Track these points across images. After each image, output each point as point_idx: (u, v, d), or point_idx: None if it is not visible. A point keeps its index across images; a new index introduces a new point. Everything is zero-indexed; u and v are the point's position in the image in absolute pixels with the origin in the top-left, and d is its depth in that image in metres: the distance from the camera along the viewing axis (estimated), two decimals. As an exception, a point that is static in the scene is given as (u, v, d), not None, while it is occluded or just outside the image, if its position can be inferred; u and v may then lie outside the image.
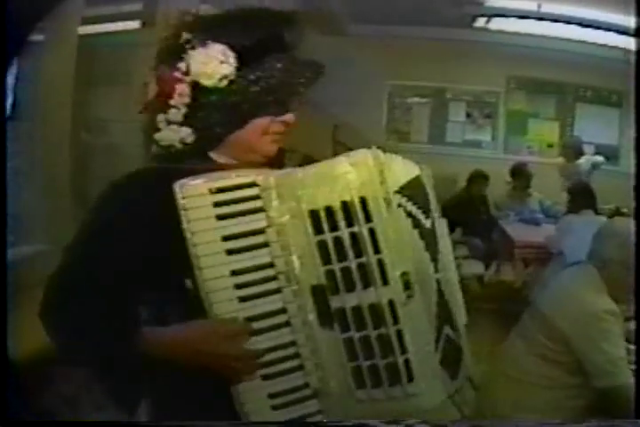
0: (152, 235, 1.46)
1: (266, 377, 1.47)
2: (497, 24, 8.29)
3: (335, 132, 7.75)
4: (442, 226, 1.71)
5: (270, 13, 1.57)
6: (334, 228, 1.42)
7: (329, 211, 1.41)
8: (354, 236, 1.41)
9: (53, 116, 3.17)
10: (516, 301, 5.68)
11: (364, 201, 1.41)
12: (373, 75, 8.76)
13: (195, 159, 1.56)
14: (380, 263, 1.42)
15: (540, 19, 7.64)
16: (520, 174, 7.56)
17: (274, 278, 1.47)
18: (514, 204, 7.41)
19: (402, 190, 1.48)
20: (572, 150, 7.79)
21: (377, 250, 1.41)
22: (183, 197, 1.42)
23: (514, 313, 3.20)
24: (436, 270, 1.58)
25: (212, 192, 1.44)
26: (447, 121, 9.65)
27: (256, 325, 1.46)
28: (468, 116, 9.60)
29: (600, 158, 7.72)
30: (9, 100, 3.39)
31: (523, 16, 7.74)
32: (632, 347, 2.95)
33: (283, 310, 1.47)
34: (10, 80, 3.34)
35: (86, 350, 1.54)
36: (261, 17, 1.55)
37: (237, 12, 1.56)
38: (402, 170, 1.52)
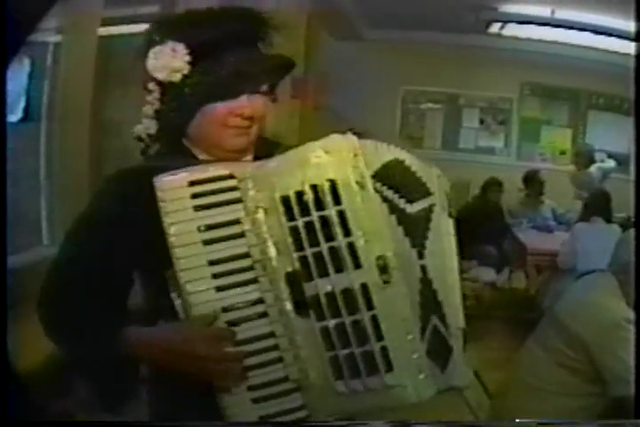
0: (140, 230, 1.49)
1: (244, 369, 1.44)
2: (511, 30, 8.28)
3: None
4: (444, 223, 1.64)
5: (235, 11, 1.61)
6: (306, 213, 1.39)
7: (299, 196, 1.39)
8: (325, 220, 1.38)
9: (71, 118, 3.17)
10: (529, 308, 5.68)
11: (333, 184, 1.38)
12: (387, 80, 8.78)
13: (164, 151, 1.64)
14: (352, 247, 1.38)
15: (554, 25, 7.62)
16: (533, 182, 7.55)
17: (251, 268, 1.45)
18: (527, 211, 7.41)
19: (378, 175, 1.45)
20: (584, 158, 7.78)
21: (347, 233, 1.38)
22: (161, 190, 1.44)
23: (527, 320, 3.19)
24: (421, 256, 1.52)
25: (189, 184, 1.45)
26: (460, 127, 9.70)
27: (233, 315, 1.44)
28: (482, 122, 9.62)
29: (611, 164, 7.70)
30: (22, 102, 3.40)
31: (536, 22, 7.73)
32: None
33: (260, 300, 1.45)
34: (23, 81, 3.35)
35: (73, 349, 1.56)
36: (223, 14, 1.59)
37: (200, 11, 1.60)
38: (378, 154, 1.48)
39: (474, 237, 6.56)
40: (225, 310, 1.44)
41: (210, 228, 1.45)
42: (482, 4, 7.44)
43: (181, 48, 1.53)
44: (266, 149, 1.66)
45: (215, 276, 1.44)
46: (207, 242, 1.45)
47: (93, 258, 1.54)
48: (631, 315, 2.60)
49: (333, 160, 1.40)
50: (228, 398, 1.44)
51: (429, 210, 1.58)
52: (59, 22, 3.03)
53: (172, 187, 1.44)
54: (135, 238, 1.51)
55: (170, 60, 1.53)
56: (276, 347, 1.46)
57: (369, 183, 1.42)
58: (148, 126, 1.60)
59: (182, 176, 1.45)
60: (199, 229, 1.44)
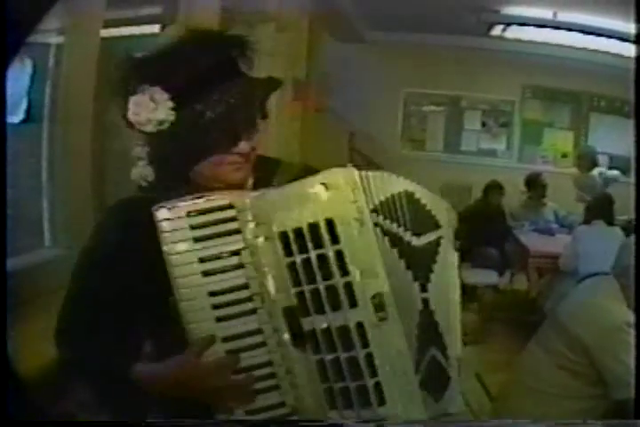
0: (143, 261, 1.48)
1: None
2: (513, 32, 8.28)
3: (351, 140, 7.75)
4: (449, 256, 1.67)
5: (209, 40, 1.55)
6: (304, 250, 1.40)
7: (298, 233, 1.40)
8: (322, 258, 1.40)
9: (73, 119, 3.17)
10: (530, 310, 5.68)
11: (330, 223, 1.39)
12: (389, 82, 8.79)
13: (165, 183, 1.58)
14: (349, 286, 1.40)
15: (556, 27, 7.62)
16: (535, 184, 7.55)
17: (249, 299, 1.46)
18: (529, 213, 7.40)
19: (381, 208, 1.46)
20: (587, 161, 7.77)
21: (345, 272, 1.39)
22: (161, 221, 1.43)
23: (529, 322, 3.19)
24: (423, 289, 1.54)
25: (189, 215, 1.44)
26: (462, 130, 9.71)
27: (233, 345, 1.45)
28: (484, 124, 9.63)
29: (615, 173, 7.69)
30: (23, 103, 3.39)
31: (538, 25, 7.72)
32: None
33: (258, 331, 1.46)
34: (25, 82, 3.35)
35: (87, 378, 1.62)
36: (199, 46, 1.52)
37: (174, 48, 1.53)
38: (381, 187, 1.48)
39: (475, 240, 6.57)
40: (225, 339, 1.45)
41: (209, 259, 1.45)
42: (483, 6, 7.44)
43: (161, 95, 1.46)
44: (266, 167, 1.66)
45: (215, 307, 1.45)
46: (207, 273, 1.45)
47: (102, 292, 1.54)
48: (631, 318, 2.60)
49: (332, 196, 1.41)
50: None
51: (437, 243, 1.60)
52: (60, 23, 3.03)
53: (173, 217, 1.44)
54: (136, 268, 1.51)
55: (152, 113, 1.46)
56: (273, 375, 1.47)
57: (368, 218, 1.42)
58: (144, 174, 1.55)
59: (182, 206, 1.45)
60: (199, 260, 1.45)
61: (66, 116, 3.16)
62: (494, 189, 7.22)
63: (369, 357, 1.40)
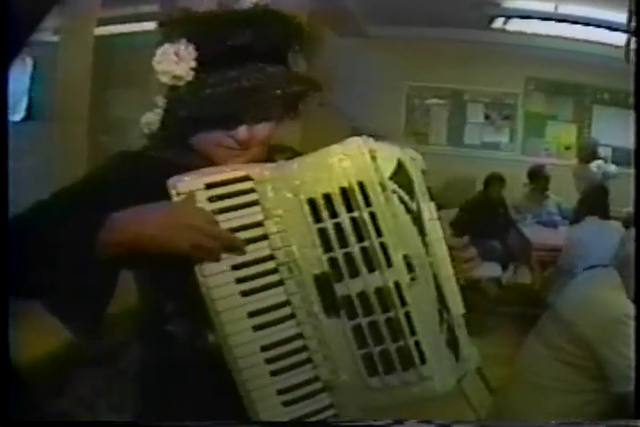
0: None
1: (274, 373, 1.45)
2: (515, 25, 8.26)
3: (354, 134, 7.69)
4: (429, 209, 1.63)
5: (268, 14, 1.51)
6: (334, 215, 1.41)
7: (327, 198, 1.41)
8: (354, 221, 1.41)
9: (70, 117, 3.17)
10: (535, 304, 5.67)
11: (362, 186, 1.40)
12: (391, 76, 8.76)
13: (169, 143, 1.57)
14: (383, 246, 1.41)
15: (558, 20, 7.61)
16: (538, 177, 7.54)
17: (275, 271, 1.45)
18: (532, 206, 7.39)
19: (394, 177, 1.46)
20: (587, 152, 7.75)
21: (379, 233, 1.40)
22: (178, 194, 1.41)
23: (533, 316, 3.17)
24: (428, 254, 1.54)
25: (206, 187, 1.42)
26: (465, 123, 9.69)
27: (260, 319, 1.44)
28: (487, 117, 9.61)
29: (612, 168, 7.66)
30: (24, 101, 3.40)
31: (540, 17, 7.71)
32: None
33: (286, 303, 1.46)
34: (25, 81, 3.36)
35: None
36: (251, 17, 1.49)
37: (227, 14, 1.50)
38: (390, 157, 1.49)
39: (478, 233, 6.55)
40: (251, 314, 1.44)
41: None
42: (484, -1, 7.44)
43: (187, 52, 1.45)
44: (275, 153, 1.63)
45: (238, 280, 1.44)
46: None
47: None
48: (631, 310, 2.59)
49: (355, 162, 1.41)
50: (259, 403, 1.45)
51: (419, 201, 1.58)
52: (56, 22, 3.03)
53: (189, 189, 1.42)
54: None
55: (172, 66, 1.45)
56: (305, 348, 1.47)
57: (388, 185, 1.43)
58: (150, 121, 1.55)
59: (198, 178, 1.43)
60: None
61: (63, 113, 3.17)
62: (495, 181, 7.18)
63: (407, 315, 1.42)
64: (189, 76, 1.47)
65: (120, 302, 1.51)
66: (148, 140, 1.59)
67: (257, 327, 1.44)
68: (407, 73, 8.97)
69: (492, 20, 8.12)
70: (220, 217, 1.42)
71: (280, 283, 1.46)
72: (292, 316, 1.46)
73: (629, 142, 8.59)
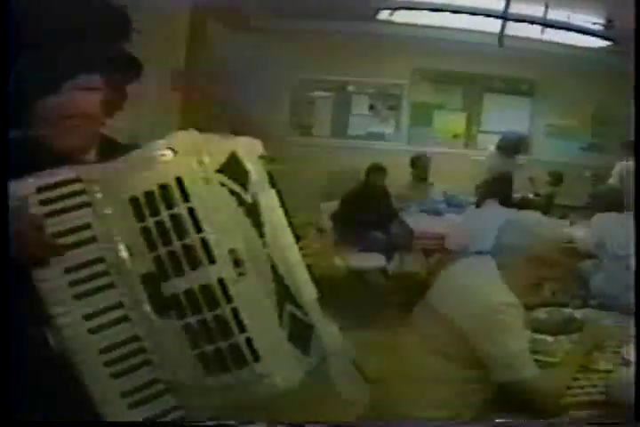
0: None
1: (115, 375, 1.43)
2: (401, 17, 8.31)
3: (236, 128, 7.59)
4: (269, 198, 1.63)
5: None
6: (155, 213, 1.40)
7: (148, 196, 1.40)
8: (175, 218, 1.40)
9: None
10: (423, 291, 5.69)
11: (180, 182, 1.40)
12: (276, 69, 8.70)
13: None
14: (204, 242, 1.41)
15: (444, 10, 7.67)
16: (418, 164, 7.63)
17: (106, 273, 1.44)
18: (416, 194, 7.43)
19: (223, 169, 1.47)
20: (510, 144, 7.72)
21: (199, 229, 1.41)
22: (15, 199, 1.38)
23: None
24: (265, 245, 1.55)
25: (37, 191, 1.40)
26: (350, 114, 9.81)
27: (95, 322, 1.42)
28: (372, 108, 9.69)
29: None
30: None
31: (425, 8, 7.76)
32: (545, 338, 2.97)
33: (119, 305, 1.44)
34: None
35: None
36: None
37: None
38: (221, 149, 1.50)
39: (360, 224, 6.55)
40: (86, 317, 1.42)
41: (61, 235, 1.41)
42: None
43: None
44: (110, 149, 1.60)
45: (71, 284, 1.41)
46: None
47: None
48: (511, 298, 2.58)
49: (179, 157, 1.42)
50: (104, 405, 1.42)
51: (255, 191, 1.58)
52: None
53: (23, 194, 1.39)
54: None
55: None
56: (142, 350, 1.45)
57: (214, 178, 1.44)
58: None
59: (30, 182, 1.40)
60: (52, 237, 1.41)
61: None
62: (376, 171, 7.15)
63: (234, 312, 1.41)
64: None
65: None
66: None
67: (92, 331, 1.43)
68: (292, 66, 8.92)
69: (377, 11, 8.14)
70: (51, 220, 1.41)
71: (112, 285, 1.45)
72: (126, 318, 1.45)
73: (522, 128, 8.89)
